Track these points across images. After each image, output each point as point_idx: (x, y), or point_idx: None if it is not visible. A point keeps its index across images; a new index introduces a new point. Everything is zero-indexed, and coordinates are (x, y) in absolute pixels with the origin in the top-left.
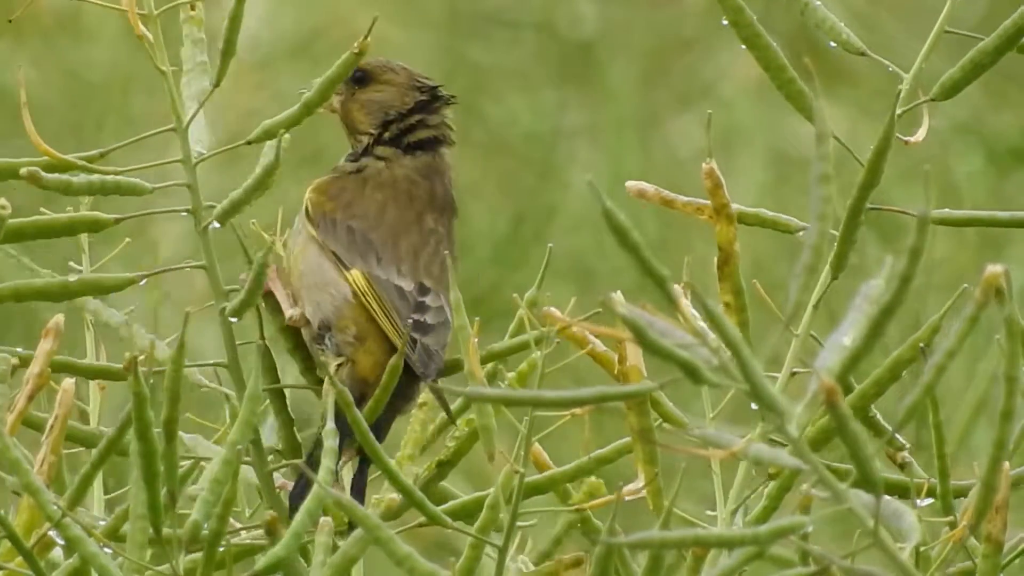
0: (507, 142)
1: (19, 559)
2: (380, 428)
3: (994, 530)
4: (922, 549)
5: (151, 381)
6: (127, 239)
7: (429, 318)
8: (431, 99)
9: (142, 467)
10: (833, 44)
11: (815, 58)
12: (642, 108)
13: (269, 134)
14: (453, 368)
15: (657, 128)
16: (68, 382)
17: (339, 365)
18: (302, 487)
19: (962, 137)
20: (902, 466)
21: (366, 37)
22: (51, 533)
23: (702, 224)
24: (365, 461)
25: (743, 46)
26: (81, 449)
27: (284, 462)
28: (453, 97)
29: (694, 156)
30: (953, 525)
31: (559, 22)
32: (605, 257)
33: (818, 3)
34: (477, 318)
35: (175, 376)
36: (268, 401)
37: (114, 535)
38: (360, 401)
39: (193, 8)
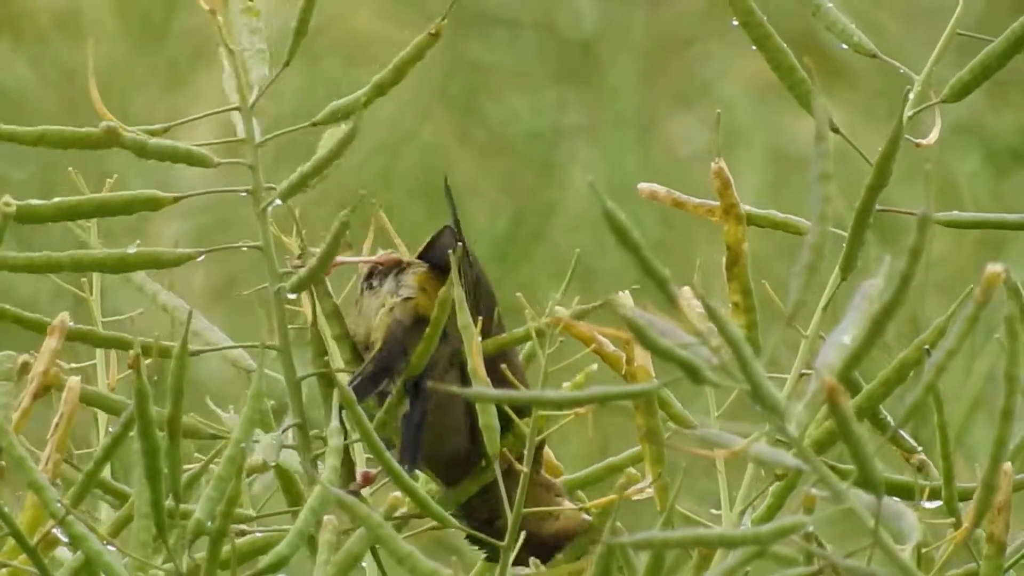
0: (507, 141)
1: (23, 556)
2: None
3: (996, 531)
4: (924, 551)
5: (154, 379)
6: (138, 241)
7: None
8: None
9: (145, 465)
10: (844, 46)
11: (816, 59)
12: (642, 107)
13: (335, 116)
14: None
15: (657, 127)
16: (74, 380)
17: (405, 299)
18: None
19: (961, 137)
20: (919, 468)
21: (443, 19)
22: (55, 531)
23: (704, 226)
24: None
25: (753, 47)
26: (87, 450)
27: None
28: None
29: (694, 155)
30: (957, 526)
31: (559, 21)
32: (606, 256)
33: (830, 5)
34: (480, 316)
35: (179, 372)
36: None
37: (119, 531)
38: (416, 326)
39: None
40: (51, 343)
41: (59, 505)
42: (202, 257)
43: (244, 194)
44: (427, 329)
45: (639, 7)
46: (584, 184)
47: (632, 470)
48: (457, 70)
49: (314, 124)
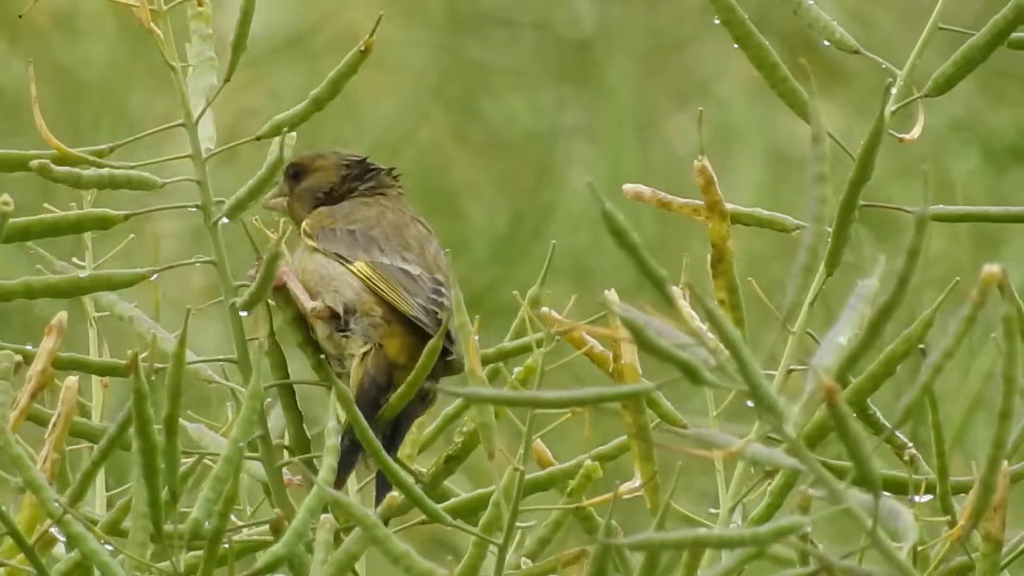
0: (505, 141)
1: (21, 556)
2: (400, 424)
3: (993, 529)
4: (920, 548)
5: (153, 378)
6: (131, 235)
7: (446, 302)
8: (360, 171)
9: (143, 464)
10: (827, 43)
11: (811, 57)
12: (640, 107)
13: (278, 130)
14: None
15: (655, 127)
16: (71, 380)
17: (365, 353)
18: (346, 457)
19: (958, 135)
20: (909, 461)
21: (372, 35)
22: (52, 530)
23: (701, 224)
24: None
25: (735, 45)
26: (83, 446)
27: (293, 458)
28: (392, 169)
29: (692, 154)
30: (952, 524)
31: (557, 21)
32: (603, 256)
33: (811, 3)
34: (477, 316)
35: (176, 373)
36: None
37: (115, 530)
38: (388, 386)
39: (201, 4)
40: (49, 343)
41: (56, 504)
42: (155, 276)
43: (193, 209)
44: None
45: (637, 7)
46: (582, 184)
47: (589, 461)
48: (455, 70)
49: (258, 138)
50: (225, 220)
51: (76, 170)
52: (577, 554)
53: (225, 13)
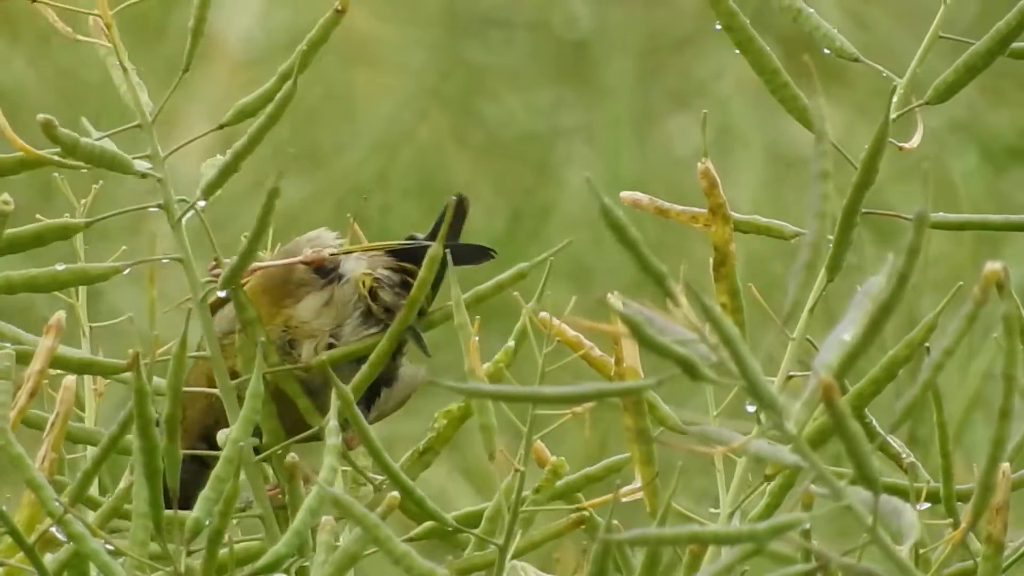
0: (503, 141)
1: (20, 555)
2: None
3: (995, 531)
4: (922, 551)
5: (152, 379)
6: (123, 245)
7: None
8: None
9: (144, 464)
10: (827, 51)
11: (812, 58)
12: (638, 107)
13: (242, 116)
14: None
15: (653, 127)
16: (70, 379)
17: (366, 274)
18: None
19: (957, 135)
20: (909, 469)
21: None
22: (52, 530)
23: (700, 229)
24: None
25: (736, 51)
26: (80, 455)
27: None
28: None
29: (691, 155)
30: (955, 526)
31: (554, 21)
32: (602, 255)
33: (811, 11)
34: (477, 316)
35: (177, 372)
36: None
37: (112, 518)
38: (403, 285)
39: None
40: (47, 342)
41: (57, 504)
42: (127, 271)
43: (155, 209)
44: (412, 292)
45: (634, 7)
46: (580, 184)
47: (555, 459)
48: (453, 71)
49: (221, 127)
50: (202, 203)
51: (74, 135)
52: (577, 520)
53: (225, 13)
